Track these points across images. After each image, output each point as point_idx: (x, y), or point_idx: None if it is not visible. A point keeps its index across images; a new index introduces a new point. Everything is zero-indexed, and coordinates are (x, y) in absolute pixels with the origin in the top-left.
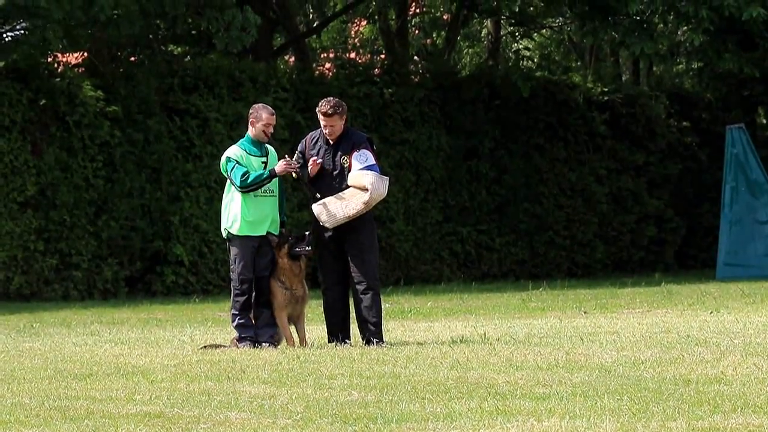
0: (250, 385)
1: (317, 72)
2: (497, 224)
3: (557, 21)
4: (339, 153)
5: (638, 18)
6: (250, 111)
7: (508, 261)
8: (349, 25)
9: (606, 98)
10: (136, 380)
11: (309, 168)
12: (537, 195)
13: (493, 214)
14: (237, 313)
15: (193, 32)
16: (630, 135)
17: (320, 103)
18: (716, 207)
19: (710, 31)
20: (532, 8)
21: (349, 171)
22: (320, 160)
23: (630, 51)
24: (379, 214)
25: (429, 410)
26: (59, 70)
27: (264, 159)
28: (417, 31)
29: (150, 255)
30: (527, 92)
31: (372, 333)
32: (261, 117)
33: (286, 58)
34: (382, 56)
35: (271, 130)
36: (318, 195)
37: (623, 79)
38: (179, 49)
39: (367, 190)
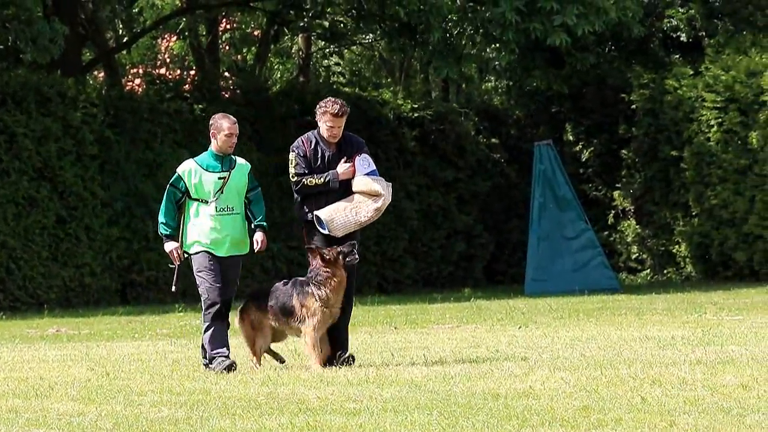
0: (58, 403)
1: (127, 87)
2: None
3: (367, 37)
4: (345, 158)
5: (446, 37)
6: (210, 122)
7: None
8: (160, 40)
9: (416, 115)
10: None
11: (341, 172)
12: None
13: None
14: (209, 324)
15: (0, 47)
16: (439, 151)
17: (326, 104)
18: (525, 223)
19: (518, 50)
20: (342, 25)
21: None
22: (348, 165)
23: (437, 73)
24: None
25: (240, 426)
26: None
27: (223, 175)
28: (227, 47)
29: None
30: None
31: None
32: (222, 127)
33: (96, 73)
34: (193, 72)
35: (234, 140)
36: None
37: (433, 96)
38: None
39: (379, 195)
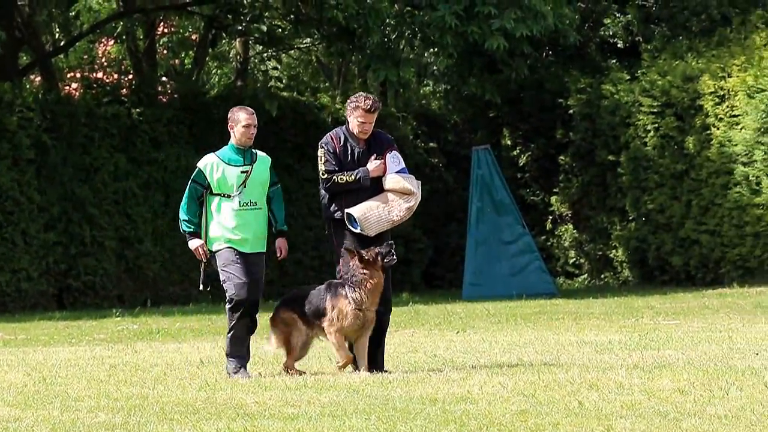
0: None
1: (64, 92)
2: None
3: (305, 42)
4: (374, 155)
5: (385, 41)
6: (228, 116)
7: None
8: (97, 44)
9: None
10: None
11: (372, 169)
12: (288, 215)
13: None
14: (234, 324)
15: None
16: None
17: (357, 99)
18: (463, 227)
19: (456, 55)
20: (280, 29)
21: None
22: (379, 162)
23: (375, 76)
24: (127, 235)
25: (177, 431)
26: None
27: (246, 168)
28: (165, 52)
29: None
30: (275, 111)
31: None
32: (239, 119)
33: (32, 77)
34: (130, 76)
35: (253, 131)
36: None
37: None
38: None
39: (411, 194)
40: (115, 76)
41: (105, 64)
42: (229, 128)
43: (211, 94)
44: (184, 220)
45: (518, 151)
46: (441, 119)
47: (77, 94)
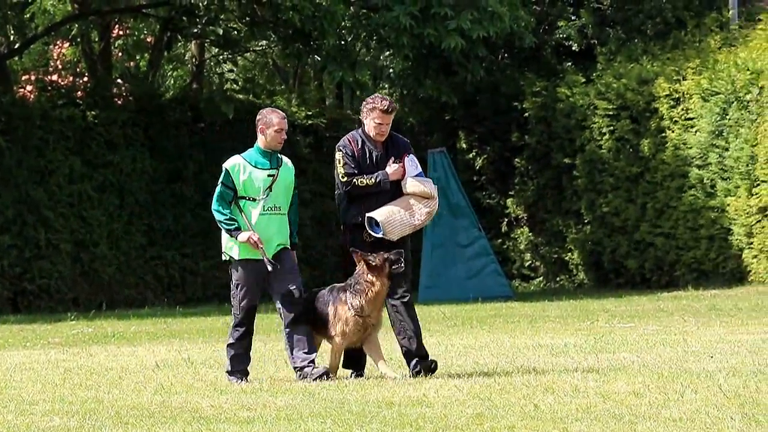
0: None
1: (19, 94)
2: (202, 248)
3: (261, 44)
4: (392, 158)
5: (340, 43)
6: (258, 117)
7: (213, 285)
8: (51, 47)
9: (310, 122)
10: None
11: (391, 173)
12: None
13: (198, 237)
14: (233, 342)
15: None
16: (333, 159)
17: (374, 100)
18: (419, 230)
19: (412, 57)
20: (236, 32)
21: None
22: (398, 165)
23: (331, 78)
24: (82, 238)
25: None
26: None
27: (272, 172)
28: (120, 54)
29: None
30: (231, 113)
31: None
32: (272, 122)
33: None
34: (85, 79)
35: (284, 135)
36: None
37: (327, 103)
38: None
39: (431, 198)
40: (70, 78)
41: (60, 66)
42: (258, 131)
43: (166, 97)
44: (224, 220)
45: (474, 154)
46: (397, 122)
47: (32, 96)
